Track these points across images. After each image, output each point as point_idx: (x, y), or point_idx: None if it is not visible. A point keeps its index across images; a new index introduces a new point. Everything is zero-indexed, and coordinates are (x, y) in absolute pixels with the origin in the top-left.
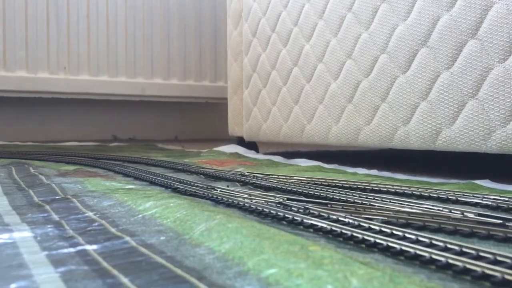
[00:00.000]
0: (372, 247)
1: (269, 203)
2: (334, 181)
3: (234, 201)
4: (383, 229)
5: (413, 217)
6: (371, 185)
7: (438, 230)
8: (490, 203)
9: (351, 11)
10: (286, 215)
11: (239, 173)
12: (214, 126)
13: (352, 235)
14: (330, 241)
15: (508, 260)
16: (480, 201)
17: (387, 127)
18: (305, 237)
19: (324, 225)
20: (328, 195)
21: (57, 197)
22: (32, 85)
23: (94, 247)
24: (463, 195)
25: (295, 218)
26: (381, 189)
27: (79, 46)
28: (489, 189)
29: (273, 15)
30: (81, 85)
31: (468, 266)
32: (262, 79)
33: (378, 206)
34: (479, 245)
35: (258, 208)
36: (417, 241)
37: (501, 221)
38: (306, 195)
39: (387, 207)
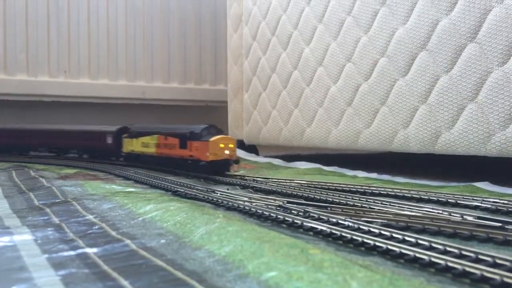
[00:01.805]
0: (372, 250)
1: (269, 206)
2: (334, 185)
3: (234, 204)
4: (382, 232)
5: (412, 220)
6: (371, 188)
7: (437, 233)
8: (489, 206)
9: (351, 15)
10: (286, 218)
11: (239, 176)
12: None
13: (351, 238)
14: (330, 244)
15: (507, 263)
16: (480, 204)
17: (387, 131)
18: (305, 240)
19: (324, 228)
20: (328, 198)
21: (57, 200)
22: (32, 88)
23: (95, 250)
24: (463, 198)
25: (295, 221)
26: (381, 192)
27: (80, 49)
28: (489, 192)
29: (273, 19)
30: (81, 88)
31: (467, 269)
32: (262, 83)
33: (378, 209)
34: (479, 248)
35: (258, 211)
36: (416, 244)
37: (500, 224)
38: (306, 198)
39: (387, 210)
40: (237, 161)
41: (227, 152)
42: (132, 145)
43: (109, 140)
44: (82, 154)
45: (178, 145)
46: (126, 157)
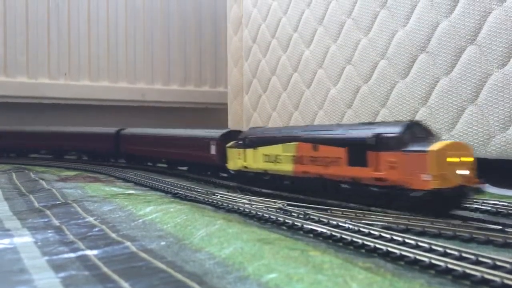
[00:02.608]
0: (372, 252)
1: (269, 209)
2: None
3: (234, 207)
4: (383, 234)
5: (412, 223)
6: None
7: (437, 236)
8: (489, 208)
9: (351, 17)
10: (286, 221)
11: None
12: None
13: (352, 240)
14: (330, 246)
15: (507, 265)
16: (480, 207)
17: None
18: (305, 242)
19: (324, 230)
20: (328, 201)
21: (57, 202)
22: (32, 91)
23: (95, 252)
24: None
25: (295, 223)
26: None
27: (80, 52)
28: (489, 194)
29: (273, 21)
30: (81, 91)
31: (467, 271)
32: (262, 85)
33: (377, 211)
34: (479, 250)
35: (259, 213)
36: (416, 246)
37: (500, 227)
38: (306, 201)
39: (386, 213)
40: (479, 189)
41: (462, 171)
42: (245, 159)
43: (213, 149)
44: (192, 168)
45: (346, 159)
46: (236, 177)
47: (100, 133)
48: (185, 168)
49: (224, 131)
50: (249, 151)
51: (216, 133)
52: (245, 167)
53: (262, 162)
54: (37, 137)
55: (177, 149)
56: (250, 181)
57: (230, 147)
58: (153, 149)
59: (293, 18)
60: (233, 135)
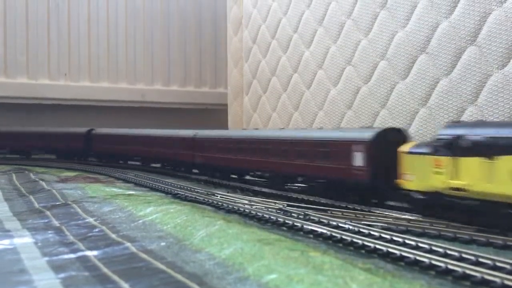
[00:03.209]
0: (372, 252)
1: (269, 209)
2: None
3: (235, 207)
4: (383, 235)
5: (412, 224)
6: None
7: (437, 237)
8: None
9: (351, 18)
10: (286, 221)
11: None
12: None
13: (352, 241)
14: (330, 246)
15: (507, 266)
16: None
17: None
18: (305, 243)
19: (324, 231)
20: (328, 202)
21: (57, 203)
22: (32, 91)
23: (95, 253)
24: None
25: (295, 224)
26: None
27: (80, 52)
28: None
29: (273, 22)
30: (81, 91)
31: (467, 271)
32: (262, 85)
33: (377, 212)
34: (479, 251)
35: (259, 214)
36: (417, 247)
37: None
38: (306, 202)
39: (386, 214)
40: None
41: None
42: (455, 175)
43: (358, 158)
44: (318, 188)
45: None
46: (426, 203)
47: (178, 137)
48: (303, 185)
49: (378, 129)
50: (471, 161)
51: (362, 132)
52: (457, 189)
53: (507, 183)
54: (133, 141)
55: (285, 158)
56: (467, 214)
57: (413, 152)
58: (244, 158)
59: (293, 18)
60: (390, 135)
